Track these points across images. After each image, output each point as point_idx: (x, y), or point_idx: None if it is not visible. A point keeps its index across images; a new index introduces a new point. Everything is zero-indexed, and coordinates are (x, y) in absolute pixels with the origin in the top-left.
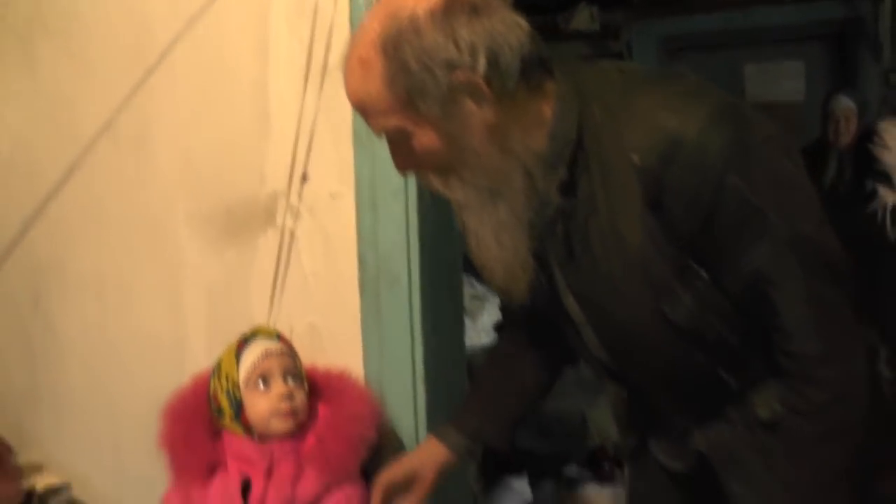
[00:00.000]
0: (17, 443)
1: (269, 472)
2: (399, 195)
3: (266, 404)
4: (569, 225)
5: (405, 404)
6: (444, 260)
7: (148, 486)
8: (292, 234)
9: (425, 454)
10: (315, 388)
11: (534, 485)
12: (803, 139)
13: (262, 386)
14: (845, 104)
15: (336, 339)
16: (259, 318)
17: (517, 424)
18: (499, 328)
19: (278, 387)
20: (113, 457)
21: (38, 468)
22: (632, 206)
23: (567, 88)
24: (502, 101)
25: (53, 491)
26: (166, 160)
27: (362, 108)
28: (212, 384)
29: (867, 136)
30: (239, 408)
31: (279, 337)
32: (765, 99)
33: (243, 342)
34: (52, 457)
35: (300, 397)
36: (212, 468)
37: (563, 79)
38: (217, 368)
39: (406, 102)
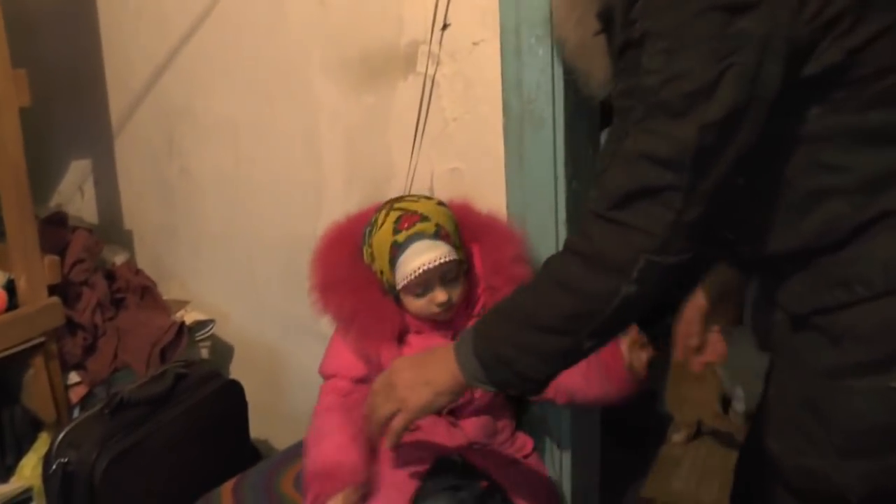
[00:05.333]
0: (160, 280)
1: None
2: (544, 40)
3: (423, 306)
4: None
5: (548, 246)
6: (586, 104)
7: (285, 324)
8: (433, 80)
9: None
10: (465, 227)
11: None
12: None
13: (419, 291)
14: None
15: (479, 184)
16: (399, 163)
17: None
18: None
19: (437, 296)
20: (250, 295)
21: (183, 304)
22: None
23: None
24: None
25: (201, 324)
26: (299, 7)
27: None
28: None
29: None
30: (397, 297)
31: (437, 230)
32: None
33: (396, 248)
34: (193, 294)
35: (458, 292)
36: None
37: None
38: (370, 257)
39: None
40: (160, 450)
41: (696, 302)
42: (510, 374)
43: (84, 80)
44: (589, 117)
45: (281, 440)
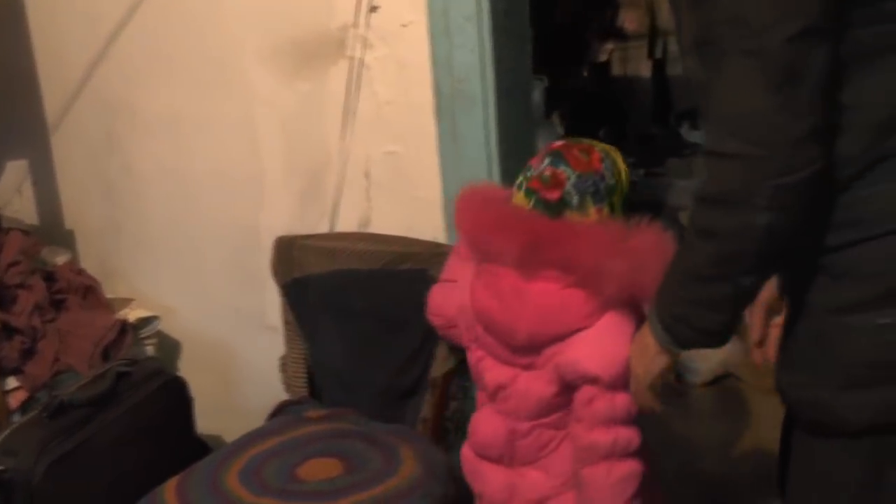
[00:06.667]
0: (104, 278)
1: None
2: (473, 20)
3: None
4: None
5: None
6: (517, 83)
7: (233, 318)
8: (363, 63)
9: None
10: None
11: None
12: None
13: None
14: None
15: (415, 166)
16: (335, 148)
17: None
18: None
19: None
20: (196, 290)
21: (128, 302)
22: None
23: None
24: None
25: (145, 321)
26: None
27: None
28: None
29: None
30: None
31: None
32: None
33: None
34: (140, 291)
35: None
36: None
37: None
38: None
39: None
40: (103, 451)
41: (763, 293)
42: (689, 330)
43: (16, 77)
44: (522, 95)
45: (232, 434)
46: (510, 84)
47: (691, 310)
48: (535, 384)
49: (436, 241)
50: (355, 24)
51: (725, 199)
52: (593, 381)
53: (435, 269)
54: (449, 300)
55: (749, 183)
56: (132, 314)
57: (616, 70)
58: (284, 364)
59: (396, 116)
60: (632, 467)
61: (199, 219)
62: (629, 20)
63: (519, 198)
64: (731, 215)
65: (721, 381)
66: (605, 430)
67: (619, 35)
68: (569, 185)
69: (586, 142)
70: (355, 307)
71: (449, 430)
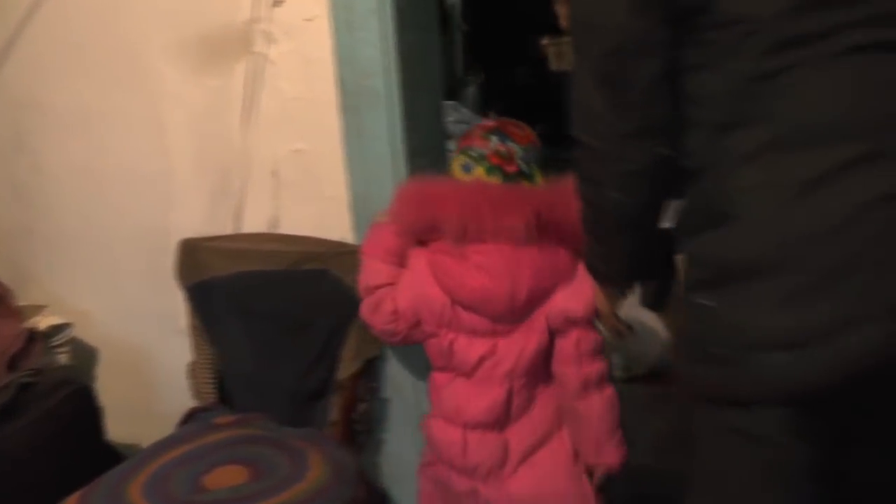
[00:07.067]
0: (18, 283)
1: None
2: (376, 13)
3: None
4: None
5: None
6: (424, 79)
7: (150, 322)
8: (268, 59)
9: None
10: None
11: None
12: None
13: None
14: None
15: (321, 163)
16: (243, 146)
17: None
18: None
19: None
20: (111, 293)
21: (40, 308)
22: None
23: None
24: None
25: (57, 328)
26: None
27: None
28: None
29: None
30: None
31: None
32: None
33: None
34: (54, 296)
35: None
36: None
37: None
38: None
39: None
40: (6, 464)
41: None
42: (596, 274)
43: None
44: (430, 91)
45: (152, 441)
46: (417, 79)
47: (590, 258)
48: (524, 342)
49: (343, 240)
50: (259, 19)
51: (589, 178)
52: (577, 322)
53: (339, 269)
54: (423, 300)
55: (598, 168)
56: (44, 321)
57: (553, 65)
58: (193, 370)
59: (302, 113)
60: (612, 389)
61: (112, 219)
62: (563, 15)
63: (479, 175)
64: (594, 191)
65: (658, 374)
66: (591, 363)
67: (554, 30)
68: (518, 158)
69: (501, 119)
70: (260, 309)
71: (359, 431)
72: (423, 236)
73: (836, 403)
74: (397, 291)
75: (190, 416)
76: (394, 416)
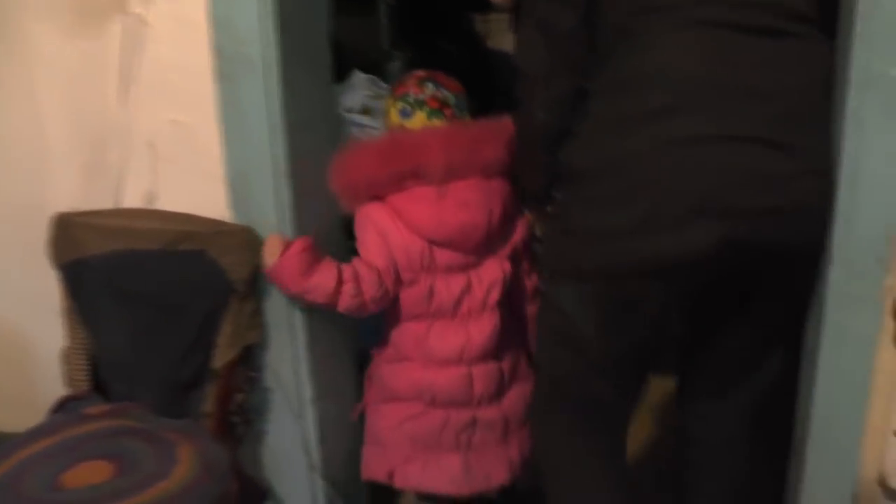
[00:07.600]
0: None
1: None
2: None
3: None
4: None
5: (267, 202)
6: (311, 48)
7: (26, 303)
8: (145, 21)
9: None
10: None
11: None
12: None
13: None
14: None
15: (199, 135)
16: (119, 116)
17: None
18: None
19: None
20: None
21: None
22: None
23: None
24: None
25: None
26: None
27: None
28: None
29: None
30: None
31: None
32: None
33: None
34: None
35: None
36: None
37: None
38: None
39: None
40: None
41: None
42: (523, 183)
43: None
44: (313, 59)
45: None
46: (300, 48)
47: (516, 167)
48: (499, 269)
49: (221, 219)
50: None
51: (524, 101)
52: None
53: (216, 250)
54: (399, 251)
55: (532, 94)
56: None
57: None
58: (67, 355)
59: (181, 82)
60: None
61: None
62: None
63: (420, 119)
64: (526, 111)
65: None
66: (534, 276)
67: (480, 7)
68: (452, 105)
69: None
70: (134, 292)
71: (237, 423)
72: (387, 190)
73: (632, 280)
74: (366, 257)
75: (61, 406)
76: (275, 407)
